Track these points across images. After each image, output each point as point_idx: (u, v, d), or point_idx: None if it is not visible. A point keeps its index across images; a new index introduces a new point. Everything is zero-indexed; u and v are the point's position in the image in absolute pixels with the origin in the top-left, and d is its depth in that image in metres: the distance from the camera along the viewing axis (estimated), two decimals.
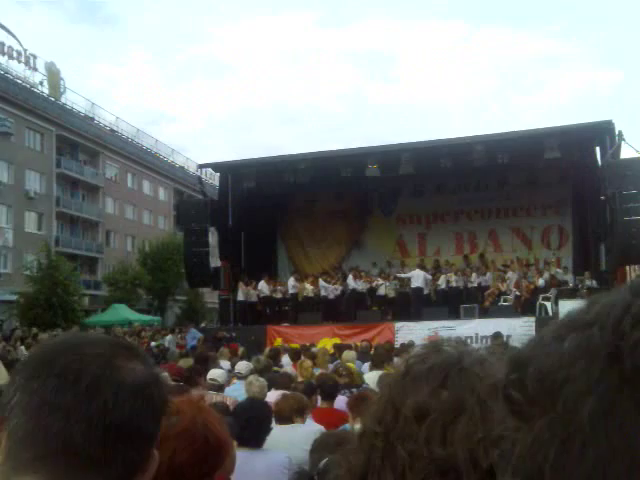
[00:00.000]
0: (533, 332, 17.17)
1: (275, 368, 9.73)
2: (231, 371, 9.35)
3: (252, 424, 4.15)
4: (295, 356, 11.43)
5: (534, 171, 22.68)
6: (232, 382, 8.18)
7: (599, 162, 19.73)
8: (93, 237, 50.14)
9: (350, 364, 8.98)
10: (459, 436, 0.85)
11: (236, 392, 7.14)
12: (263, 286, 21.89)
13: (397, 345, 14.70)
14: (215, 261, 21.89)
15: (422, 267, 21.92)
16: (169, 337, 23.07)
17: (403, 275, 21.49)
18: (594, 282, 19.48)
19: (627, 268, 19.73)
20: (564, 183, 23.46)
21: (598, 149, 19.98)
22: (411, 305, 20.82)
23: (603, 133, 19.02)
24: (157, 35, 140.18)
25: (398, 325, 19.14)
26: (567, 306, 17.34)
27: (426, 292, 21.05)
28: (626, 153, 18.36)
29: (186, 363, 9.86)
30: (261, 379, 6.46)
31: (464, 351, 0.95)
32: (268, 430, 4.32)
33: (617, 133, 18.51)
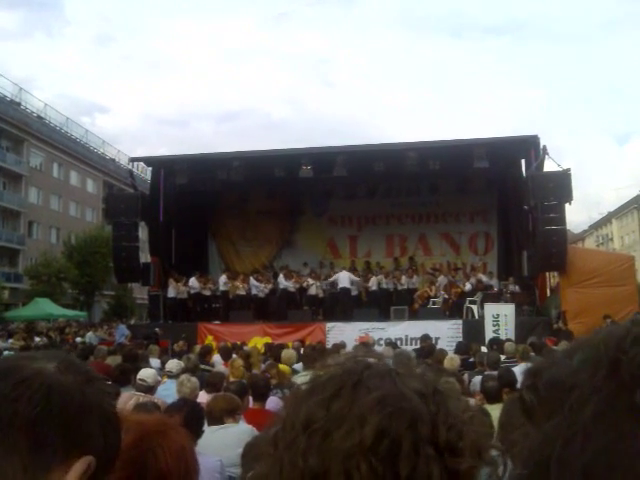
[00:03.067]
0: (460, 334, 17.56)
1: (207, 367, 9.60)
2: (161, 369, 9.17)
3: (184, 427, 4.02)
4: (226, 355, 11.31)
5: (463, 179, 23.34)
6: (163, 381, 8.00)
7: (524, 173, 20.41)
8: (14, 227, 48.22)
9: (283, 366, 8.91)
10: (334, 444, 0.84)
11: (167, 392, 6.98)
12: (194, 283, 21.59)
13: (329, 345, 14.75)
14: (145, 256, 21.47)
15: (350, 269, 22.23)
16: (89, 334, 22.49)
17: (330, 280, 21.61)
18: (517, 287, 20.11)
19: (547, 274, 20.41)
20: (491, 192, 24.18)
21: (523, 161, 20.68)
22: (338, 305, 20.98)
23: (529, 147, 19.59)
24: (95, 23, 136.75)
25: (329, 325, 19.22)
26: (492, 309, 17.81)
27: (355, 293, 21.28)
28: (549, 166, 19.00)
29: (114, 361, 9.62)
30: (193, 379, 6.33)
31: (371, 364, 0.93)
32: (200, 433, 4.21)
33: (542, 147, 19.12)
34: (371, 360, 0.96)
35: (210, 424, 4.86)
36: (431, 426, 0.84)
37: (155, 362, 10.67)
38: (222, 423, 4.96)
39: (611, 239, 77.05)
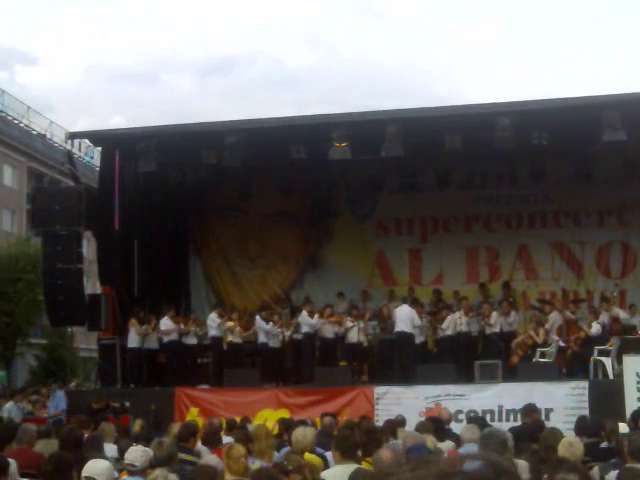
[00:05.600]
0: (585, 404, 17.42)
1: (189, 457, 9.63)
2: (119, 461, 9.19)
3: None
4: (217, 438, 11.34)
5: (587, 159, 23.12)
6: (121, 479, 8.04)
7: None
8: None
9: (312, 457, 8.90)
10: None
11: None
12: (168, 325, 21.69)
13: (378, 422, 14.70)
14: (92, 285, 21.57)
15: (412, 301, 22.15)
16: (9, 405, 22.62)
17: (384, 318, 21.65)
18: None
19: None
20: (631, 179, 23.91)
21: None
22: (396, 359, 20.94)
23: None
24: None
25: (379, 390, 19.20)
26: (635, 365, 17.66)
27: (420, 340, 21.27)
28: None
29: (47, 447, 9.66)
30: (172, 477, 6.36)
31: None
32: None
33: None
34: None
35: None
36: None
37: (110, 449, 10.71)
38: None
39: None
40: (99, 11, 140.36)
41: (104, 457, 9.06)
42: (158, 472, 6.57)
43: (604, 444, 10.23)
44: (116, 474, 7.95)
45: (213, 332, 21.75)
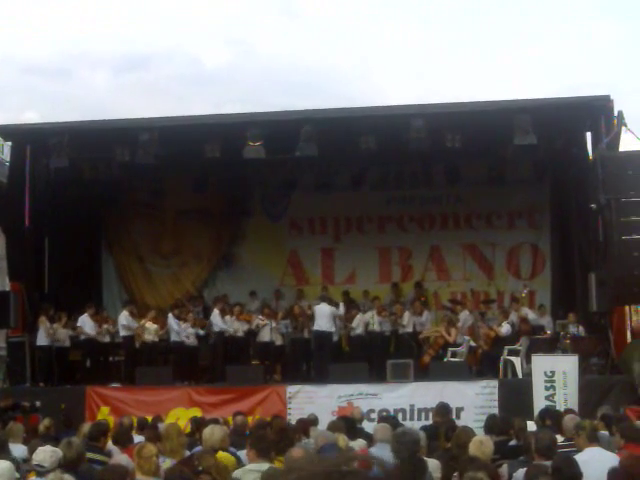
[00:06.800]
0: (495, 403, 17.65)
1: (99, 457, 9.50)
2: (27, 461, 9.03)
3: None
4: (128, 437, 11.22)
5: (499, 162, 23.45)
6: None
7: (590, 154, 20.54)
8: None
9: (225, 455, 8.84)
10: None
11: None
12: (86, 323, 21.36)
13: (290, 421, 14.67)
14: (2, 282, 21.15)
15: (327, 299, 22.18)
16: None
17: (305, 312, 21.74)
18: (581, 329, 20.23)
19: (627, 309, 20.57)
20: (540, 182, 24.55)
21: (589, 136, 20.89)
22: (315, 358, 21.06)
23: (597, 114, 19.78)
24: None
25: (291, 389, 19.18)
26: (543, 364, 17.95)
27: (335, 339, 21.31)
28: (628, 144, 19.14)
29: None
30: (66, 477, 6.23)
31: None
32: None
33: (616, 114, 19.25)
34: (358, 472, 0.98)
35: None
36: None
37: (19, 449, 10.52)
38: None
39: None
40: (11, 3, 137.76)
41: (9, 457, 8.88)
42: (52, 476, 6.42)
43: (513, 442, 10.36)
44: (17, 474, 7.78)
45: (124, 332, 21.50)
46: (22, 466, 8.87)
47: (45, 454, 8.20)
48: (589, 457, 7.93)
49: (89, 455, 9.13)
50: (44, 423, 15.31)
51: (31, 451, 9.61)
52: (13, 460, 8.69)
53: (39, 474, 7.85)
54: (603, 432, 9.96)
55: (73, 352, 21.82)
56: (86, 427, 12.42)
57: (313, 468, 1.03)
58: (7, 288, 21.74)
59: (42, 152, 21.69)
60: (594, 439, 8.94)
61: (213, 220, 26.26)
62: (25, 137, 22.47)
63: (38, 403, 18.33)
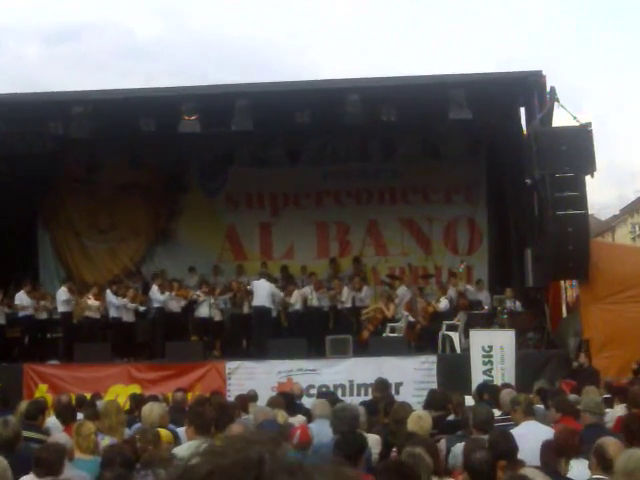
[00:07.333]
0: (434, 379, 17.80)
1: (37, 435, 9.41)
2: None
3: None
4: (68, 415, 11.13)
5: (434, 136, 23.65)
6: None
7: (524, 129, 20.79)
8: None
9: (164, 432, 8.81)
10: None
11: None
12: (23, 299, 21.12)
13: (230, 397, 14.69)
14: None
15: (266, 275, 22.20)
16: None
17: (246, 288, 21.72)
18: (518, 304, 20.53)
19: (562, 284, 20.89)
20: (476, 157, 24.78)
21: (523, 111, 21.15)
22: (254, 333, 21.10)
23: (530, 89, 19.91)
24: None
25: (231, 365, 19.19)
26: (481, 339, 18.15)
27: (274, 314, 21.35)
28: (560, 119, 19.37)
29: None
30: None
31: (271, 453, 0.98)
32: None
33: (549, 90, 19.44)
34: (271, 447, 1.00)
35: None
36: None
37: None
38: None
39: None
40: None
41: None
42: None
43: (451, 417, 10.46)
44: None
45: (62, 308, 21.28)
46: None
47: None
48: (525, 431, 8.05)
49: (26, 434, 9.01)
50: None
51: None
52: None
53: None
54: (539, 406, 10.11)
55: (10, 329, 21.57)
56: (23, 405, 12.24)
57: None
58: None
59: None
60: (530, 413, 9.09)
61: (150, 195, 26.05)
62: None
63: None
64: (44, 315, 21.83)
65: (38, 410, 10.87)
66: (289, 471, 0.93)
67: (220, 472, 0.94)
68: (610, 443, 6.15)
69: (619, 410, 9.98)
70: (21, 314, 21.24)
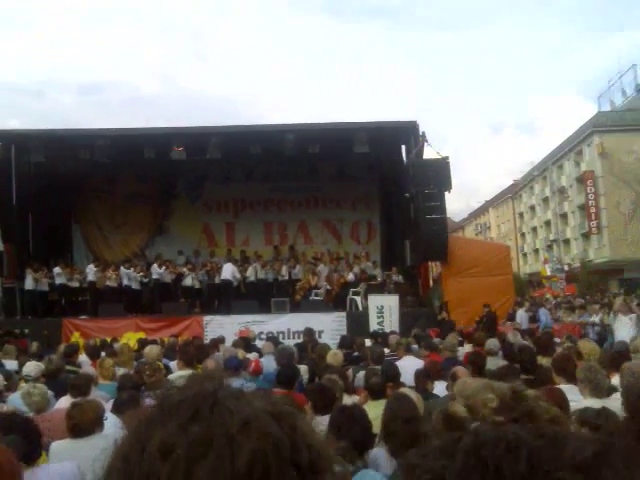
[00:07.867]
0: (344, 327, 17.84)
1: (72, 368, 9.22)
2: (18, 372, 8.70)
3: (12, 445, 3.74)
4: (94, 353, 10.93)
5: (344, 164, 23.76)
6: (20, 386, 7.58)
7: (405, 160, 20.97)
8: None
9: (158, 362, 8.69)
10: (205, 472, 0.81)
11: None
12: (58, 273, 20.67)
13: (206, 340, 14.59)
14: None
15: (227, 258, 22.24)
16: None
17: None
18: (400, 277, 20.67)
19: (429, 264, 21.15)
20: (372, 178, 24.89)
21: (404, 147, 21.29)
22: (217, 297, 20.98)
23: (408, 133, 20.23)
24: None
25: (207, 318, 19.02)
26: (376, 301, 18.21)
27: (235, 285, 21.17)
28: (429, 154, 19.51)
29: None
30: (39, 386, 6.00)
31: (220, 385, 0.94)
32: (35, 454, 3.95)
33: (421, 134, 19.69)
34: (221, 381, 0.95)
35: (77, 436, 4.62)
36: (291, 448, 0.84)
37: (11, 364, 10.06)
38: (92, 434, 4.73)
39: (489, 227, 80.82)
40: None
41: (2, 370, 8.57)
42: (27, 387, 6.15)
43: (356, 353, 10.49)
44: (2, 383, 7.44)
45: (90, 278, 20.98)
46: (14, 376, 8.55)
47: (31, 367, 7.96)
48: (405, 363, 8.10)
49: (66, 367, 8.87)
50: (35, 345, 14.79)
51: (21, 365, 9.27)
52: (7, 372, 8.33)
53: (27, 381, 7.58)
54: (414, 346, 10.18)
55: (51, 294, 21.11)
56: (62, 347, 12.03)
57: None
58: (1, 248, 20.85)
59: (24, 150, 20.65)
60: (409, 350, 9.18)
61: (151, 201, 25.70)
62: (10, 139, 21.21)
63: (27, 330, 17.71)
64: (76, 284, 21.39)
65: (73, 350, 10.69)
66: (235, 397, 0.89)
67: (187, 400, 0.88)
68: (460, 370, 6.21)
69: (467, 348, 10.10)
70: (57, 282, 20.79)
